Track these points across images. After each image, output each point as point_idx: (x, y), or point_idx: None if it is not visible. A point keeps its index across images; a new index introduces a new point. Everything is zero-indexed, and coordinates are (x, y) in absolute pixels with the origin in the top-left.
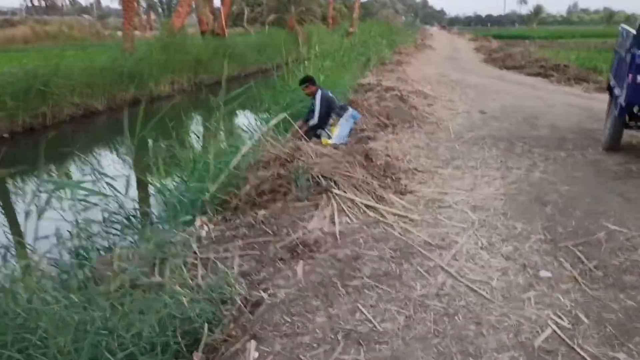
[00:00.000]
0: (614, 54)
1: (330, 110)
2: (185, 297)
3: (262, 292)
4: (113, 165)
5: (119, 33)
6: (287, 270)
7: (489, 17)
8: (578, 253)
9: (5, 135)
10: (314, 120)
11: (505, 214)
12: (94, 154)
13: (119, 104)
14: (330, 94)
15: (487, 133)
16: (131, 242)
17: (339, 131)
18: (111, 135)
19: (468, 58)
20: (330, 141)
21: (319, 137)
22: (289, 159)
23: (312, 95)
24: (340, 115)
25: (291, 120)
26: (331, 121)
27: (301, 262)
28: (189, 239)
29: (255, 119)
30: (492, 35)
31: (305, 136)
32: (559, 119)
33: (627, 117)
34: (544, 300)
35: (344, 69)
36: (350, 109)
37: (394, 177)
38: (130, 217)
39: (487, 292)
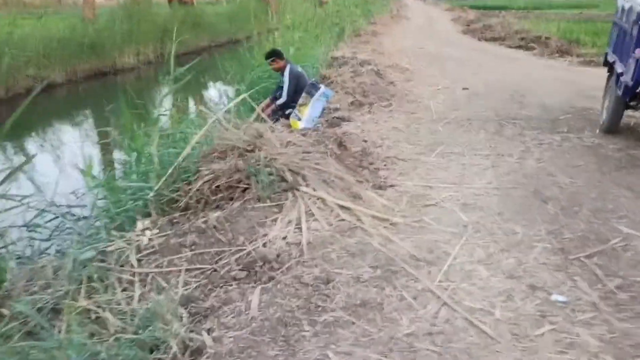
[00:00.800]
0: (612, 26)
1: (300, 88)
2: (104, 342)
3: (205, 333)
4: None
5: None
6: (240, 301)
7: None
8: (594, 268)
9: None
10: (283, 98)
11: (502, 214)
12: (44, 134)
13: (80, 77)
14: (300, 70)
15: (472, 113)
16: (58, 251)
17: (309, 112)
18: (68, 110)
19: (446, 29)
20: (300, 123)
21: (287, 117)
22: (249, 148)
23: (280, 70)
24: (311, 94)
25: (252, 102)
26: (301, 100)
27: (258, 289)
28: (127, 249)
29: (215, 99)
30: (468, 5)
31: (272, 116)
32: (548, 97)
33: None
34: (563, 339)
35: (316, 41)
36: (322, 87)
37: (371, 168)
38: (64, 215)
39: (491, 328)
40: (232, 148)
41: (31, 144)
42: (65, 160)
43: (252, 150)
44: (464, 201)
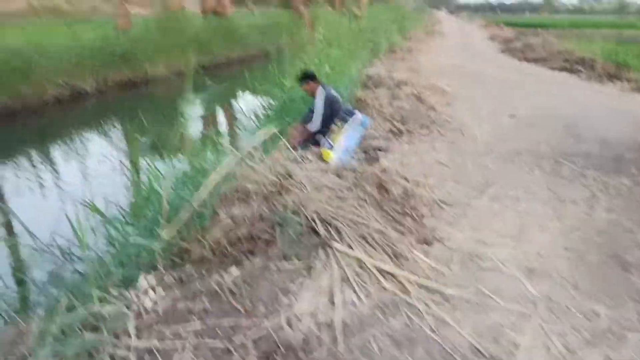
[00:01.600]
0: None
1: (333, 113)
2: None
3: None
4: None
5: None
6: None
7: (500, 4)
8: None
9: None
10: (314, 125)
11: (577, 287)
12: (64, 150)
13: (111, 86)
14: (335, 93)
15: (523, 146)
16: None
17: (344, 141)
18: (94, 124)
19: (483, 47)
20: (332, 153)
21: (318, 144)
22: (275, 190)
23: (313, 93)
24: (345, 121)
25: (281, 137)
26: (335, 128)
27: None
28: (125, 314)
29: (242, 121)
30: (503, 22)
31: (303, 144)
32: (605, 129)
33: None
34: None
35: (350, 58)
36: (358, 114)
37: (415, 215)
38: (62, 259)
39: None
40: (256, 190)
41: (53, 157)
42: (72, 189)
43: (278, 193)
44: (527, 264)
